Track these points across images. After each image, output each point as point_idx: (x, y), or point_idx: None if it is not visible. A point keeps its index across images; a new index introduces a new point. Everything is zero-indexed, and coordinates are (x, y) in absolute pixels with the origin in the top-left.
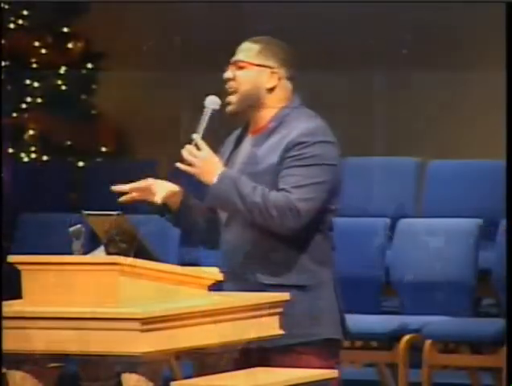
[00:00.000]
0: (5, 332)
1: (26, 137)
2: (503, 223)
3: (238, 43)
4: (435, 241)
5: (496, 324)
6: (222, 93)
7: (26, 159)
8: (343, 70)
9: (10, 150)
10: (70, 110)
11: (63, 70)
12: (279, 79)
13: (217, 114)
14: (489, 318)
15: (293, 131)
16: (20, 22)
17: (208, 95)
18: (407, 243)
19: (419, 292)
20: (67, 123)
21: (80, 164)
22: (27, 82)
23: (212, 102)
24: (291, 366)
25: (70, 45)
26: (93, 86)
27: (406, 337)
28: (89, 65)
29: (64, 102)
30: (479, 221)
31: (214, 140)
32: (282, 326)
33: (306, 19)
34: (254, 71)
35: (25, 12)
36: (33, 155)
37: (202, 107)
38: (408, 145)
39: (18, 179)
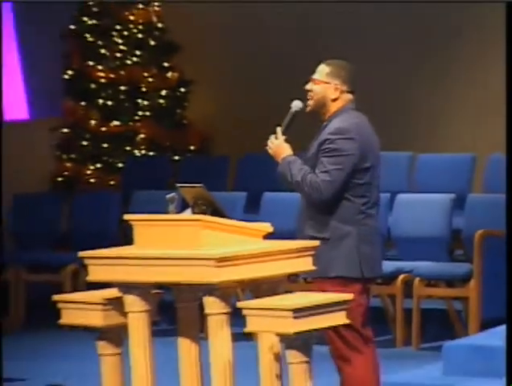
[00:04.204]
0: (121, 268)
1: (138, 139)
2: (469, 197)
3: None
4: (423, 209)
5: (464, 267)
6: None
7: (138, 154)
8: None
9: (128, 148)
10: (169, 121)
11: (164, 92)
12: (341, 92)
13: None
14: (459, 263)
15: (327, 130)
16: (134, 59)
17: (293, 100)
18: (403, 211)
19: (411, 244)
20: (166, 129)
21: (176, 158)
22: (139, 101)
23: (295, 105)
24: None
25: (169, 75)
26: (185, 104)
27: (402, 276)
28: (182, 89)
29: (165, 115)
30: (452, 195)
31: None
32: (314, 264)
33: None
34: (324, 86)
35: (137, 52)
36: (143, 152)
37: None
38: (402, 141)
39: (133, 169)
